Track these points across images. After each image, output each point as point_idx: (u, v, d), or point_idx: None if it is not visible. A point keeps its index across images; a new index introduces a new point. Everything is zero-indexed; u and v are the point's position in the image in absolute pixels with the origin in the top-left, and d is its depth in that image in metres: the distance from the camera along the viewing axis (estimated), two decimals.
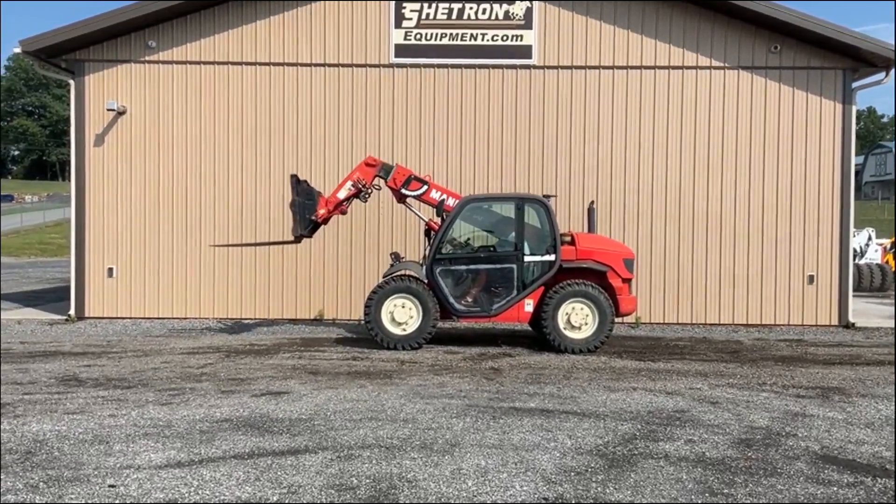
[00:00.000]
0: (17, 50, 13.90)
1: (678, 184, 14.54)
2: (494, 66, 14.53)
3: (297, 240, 12.27)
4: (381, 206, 14.30)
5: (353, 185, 11.86)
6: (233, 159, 14.58)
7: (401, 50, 14.53)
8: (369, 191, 12.00)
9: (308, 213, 11.83)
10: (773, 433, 6.64)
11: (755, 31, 14.44)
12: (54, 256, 41.09)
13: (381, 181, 12.12)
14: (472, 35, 14.47)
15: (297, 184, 11.92)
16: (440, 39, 14.49)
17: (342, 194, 11.90)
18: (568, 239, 11.53)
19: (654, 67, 14.52)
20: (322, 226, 12.33)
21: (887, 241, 28.97)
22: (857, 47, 13.82)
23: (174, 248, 14.56)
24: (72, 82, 14.55)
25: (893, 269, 24.78)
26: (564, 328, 11.08)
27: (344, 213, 12.27)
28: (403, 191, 11.91)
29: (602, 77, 14.57)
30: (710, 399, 8.00)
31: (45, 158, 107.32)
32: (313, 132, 14.59)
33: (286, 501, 4.88)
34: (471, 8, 14.44)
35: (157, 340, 12.10)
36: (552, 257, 11.25)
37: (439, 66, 14.55)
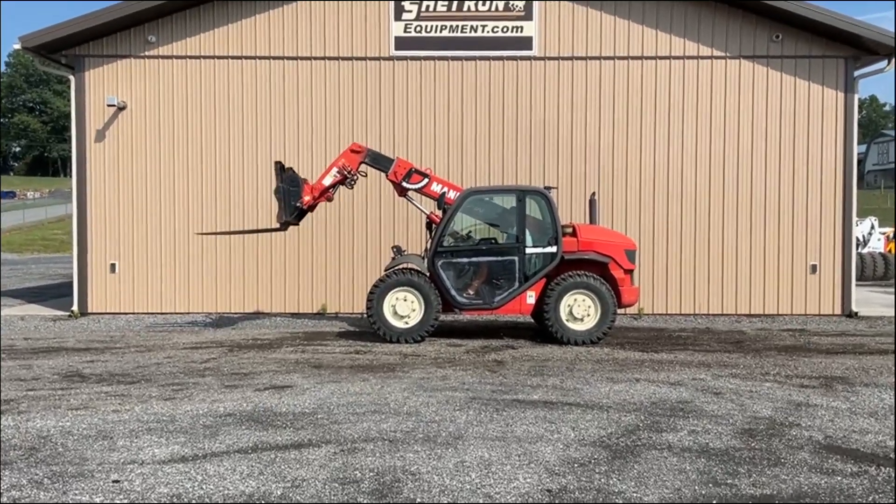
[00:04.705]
0: (17, 46, 13.89)
1: (680, 174, 14.51)
2: (495, 58, 14.49)
3: (283, 227, 12.28)
4: (382, 200, 14.29)
5: (338, 172, 11.87)
6: (234, 153, 14.57)
7: (401, 42, 14.49)
8: (355, 177, 11.99)
9: (293, 199, 11.85)
10: (776, 423, 6.63)
11: (756, 20, 14.38)
12: (57, 252, 41.16)
13: (367, 168, 12.12)
14: (472, 27, 14.43)
15: (282, 171, 11.95)
16: (440, 32, 14.46)
17: (327, 181, 11.91)
18: (569, 230, 11.52)
19: (654, 58, 14.47)
20: (308, 213, 12.34)
21: (890, 230, 28.91)
22: (859, 35, 13.77)
23: (176, 242, 14.56)
24: (72, 78, 14.54)
25: None
26: (567, 320, 11.07)
27: (330, 199, 12.28)
28: (404, 184, 11.89)
29: (603, 68, 14.52)
30: (713, 389, 8.00)
31: (47, 155, 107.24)
32: (314, 126, 14.57)
33: (290, 495, 4.89)
34: (471, 0, 14.39)
35: (159, 335, 12.11)
36: (554, 249, 11.24)
37: (440, 58, 14.51)
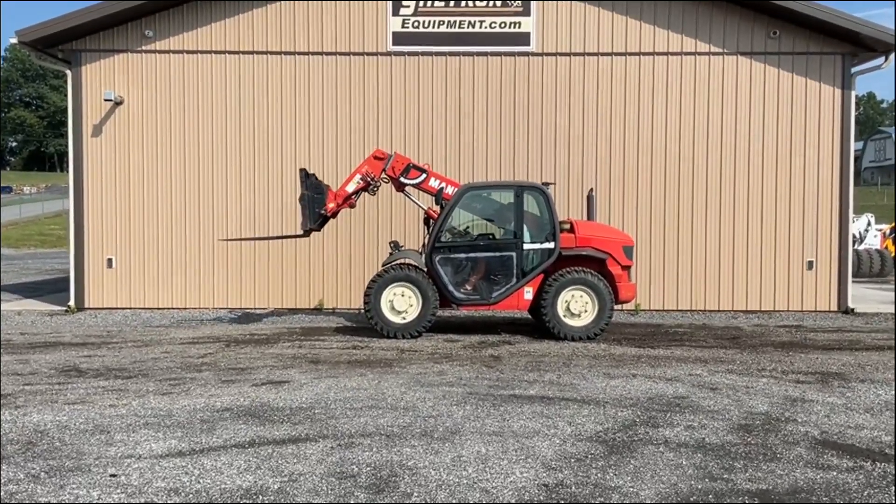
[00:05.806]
0: (14, 40, 13.85)
1: (677, 170, 14.51)
2: (493, 54, 14.48)
3: (306, 233, 12.25)
4: (380, 196, 14.23)
5: (361, 179, 11.83)
6: (230, 148, 14.55)
7: (399, 38, 14.47)
8: (378, 184, 11.96)
9: (317, 206, 11.80)
10: (772, 419, 6.65)
11: (754, 17, 14.38)
12: (53, 248, 41.10)
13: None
14: (469, 22, 14.41)
15: (307, 178, 11.87)
16: (438, 27, 14.44)
17: (351, 188, 11.88)
18: (567, 226, 11.52)
19: (652, 54, 14.47)
20: (331, 219, 12.32)
21: (886, 227, 28.99)
22: (857, 32, 13.77)
23: (173, 238, 14.55)
24: (69, 73, 14.50)
25: (893, 254, 24.79)
26: (564, 316, 11.09)
27: (353, 206, 12.27)
28: (402, 179, 11.88)
29: (600, 64, 14.51)
30: (709, 385, 8.01)
31: (43, 149, 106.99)
32: (311, 121, 14.55)
33: (287, 489, 4.90)
34: None
35: (156, 330, 12.11)
36: (551, 245, 11.24)
37: (437, 53, 14.49)
